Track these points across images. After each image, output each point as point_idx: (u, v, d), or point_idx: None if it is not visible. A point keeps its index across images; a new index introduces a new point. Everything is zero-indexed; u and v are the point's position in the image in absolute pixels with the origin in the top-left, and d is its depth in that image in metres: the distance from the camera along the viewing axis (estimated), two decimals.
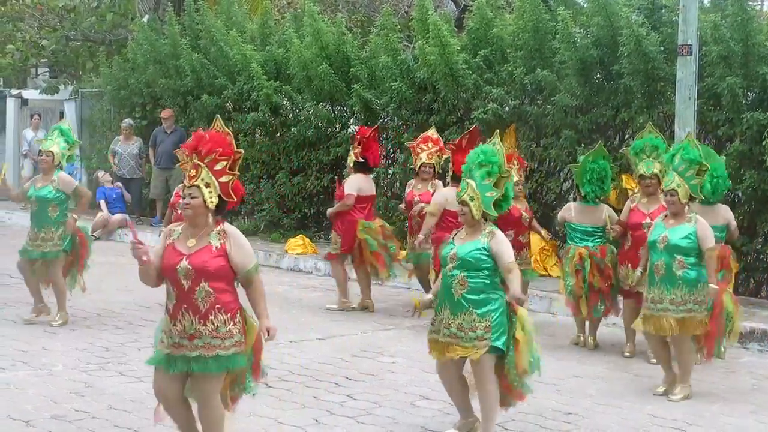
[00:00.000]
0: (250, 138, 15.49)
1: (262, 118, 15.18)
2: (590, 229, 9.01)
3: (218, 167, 5.25)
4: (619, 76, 11.57)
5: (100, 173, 17.18)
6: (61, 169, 9.45)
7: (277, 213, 15.12)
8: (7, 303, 9.68)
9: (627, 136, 12.01)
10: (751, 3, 11.31)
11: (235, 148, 5.36)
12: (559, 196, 12.44)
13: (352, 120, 14.79)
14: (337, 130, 14.71)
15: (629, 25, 11.13)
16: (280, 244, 14.32)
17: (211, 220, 5.29)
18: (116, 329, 9.11)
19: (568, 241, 9.23)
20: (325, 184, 14.54)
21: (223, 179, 5.26)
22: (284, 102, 15.18)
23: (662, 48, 11.26)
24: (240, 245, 5.29)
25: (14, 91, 21.39)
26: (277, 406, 6.86)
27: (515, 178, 9.45)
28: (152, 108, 17.55)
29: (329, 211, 10.61)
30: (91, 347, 8.40)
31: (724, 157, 9.58)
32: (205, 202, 5.22)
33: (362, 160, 10.34)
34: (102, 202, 16.28)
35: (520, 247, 9.48)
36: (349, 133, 14.51)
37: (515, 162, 9.59)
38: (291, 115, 15.24)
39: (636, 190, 9.45)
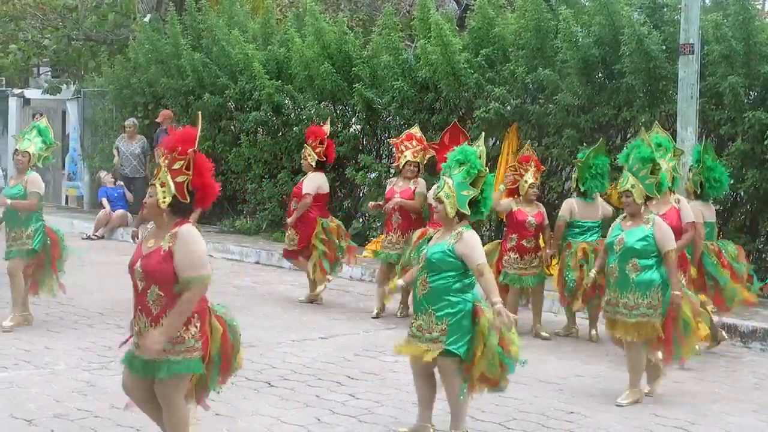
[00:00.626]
0: (252, 137, 15.51)
1: (264, 117, 15.19)
2: (589, 224, 9.18)
3: (176, 167, 5.05)
4: (621, 75, 11.57)
5: (102, 173, 17.19)
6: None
7: (279, 212, 15.11)
8: (8, 303, 9.65)
9: (629, 135, 12.01)
10: (752, 2, 11.31)
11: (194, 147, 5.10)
12: (560, 195, 12.42)
13: (354, 119, 14.80)
14: (339, 129, 14.69)
15: (631, 24, 11.13)
16: (282, 243, 14.29)
17: (167, 220, 5.08)
18: (118, 328, 9.09)
19: (567, 238, 9.23)
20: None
21: (179, 179, 5.03)
22: (286, 101, 15.19)
23: (664, 47, 11.26)
24: (185, 248, 4.97)
25: (16, 91, 21.38)
26: (279, 405, 6.86)
27: (530, 180, 9.42)
28: (154, 107, 17.55)
29: (290, 220, 10.67)
30: (94, 346, 8.40)
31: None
32: (157, 201, 5.07)
33: (324, 159, 10.64)
34: (104, 200, 16.31)
35: (523, 251, 9.38)
36: (352, 132, 14.54)
37: (532, 164, 9.53)
38: (293, 114, 15.26)
39: None
